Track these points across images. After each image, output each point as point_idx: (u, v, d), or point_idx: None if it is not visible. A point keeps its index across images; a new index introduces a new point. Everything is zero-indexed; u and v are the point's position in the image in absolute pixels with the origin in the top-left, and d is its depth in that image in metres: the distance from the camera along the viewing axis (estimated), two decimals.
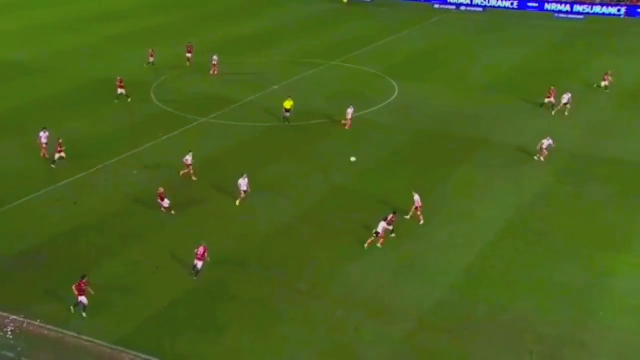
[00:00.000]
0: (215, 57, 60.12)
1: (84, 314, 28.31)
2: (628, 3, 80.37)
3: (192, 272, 30.92)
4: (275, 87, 56.86)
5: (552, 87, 50.75)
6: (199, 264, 30.83)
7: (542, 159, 42.44)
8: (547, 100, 50.28)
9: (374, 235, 33.44)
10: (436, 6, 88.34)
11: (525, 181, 40.15)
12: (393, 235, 34.19)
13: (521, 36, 72.79)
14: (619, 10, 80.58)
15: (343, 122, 47.96)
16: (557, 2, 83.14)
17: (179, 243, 33.57)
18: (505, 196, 38.09)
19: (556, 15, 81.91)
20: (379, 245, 33.57)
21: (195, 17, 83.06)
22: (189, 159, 40.07)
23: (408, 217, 35.95)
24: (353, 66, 62.93)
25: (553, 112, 49.70)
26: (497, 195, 38.33)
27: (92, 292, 28.64)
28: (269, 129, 48.23)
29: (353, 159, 41.95)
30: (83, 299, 28.35)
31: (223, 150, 44.18)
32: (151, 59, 61.43)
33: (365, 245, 33.36)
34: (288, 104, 48.68)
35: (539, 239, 34.21)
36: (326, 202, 37.94)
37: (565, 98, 49.98)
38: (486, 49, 68.03)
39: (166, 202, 36.26)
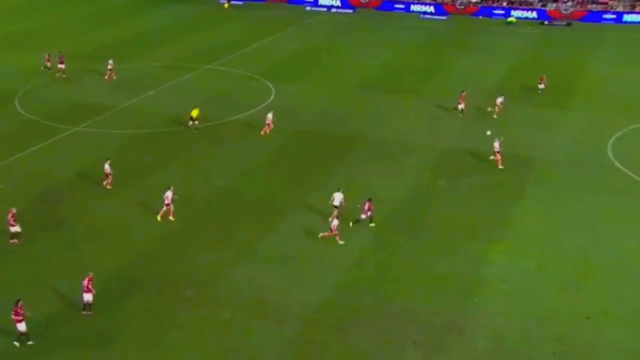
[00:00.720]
0: (110, 62, 58.37)
1: (30, 342, 26.79)
2: (484, 4, 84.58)
3: (84, 310, 28.55)
4: (151, 92, 55.70)
5: (463, 92, 51.45)
6: (88, 297, 28.47)
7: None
8: (459, 107, 50.55)
9: (330, 230, 33.75)
10: (308, 8, 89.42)
11: (402, 176, 41.45)
12: (372, 224, 35.23)
13: (390, 36, 75.00)
14: (477, 11, 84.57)
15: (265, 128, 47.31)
16: (422, 4, 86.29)
17: (53, 260, 32.22)
18: (384, 192, 39.11)
19: (421, 16, 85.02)
20: (320, 235, 33.82)
21: (63, 22, 79.81)
22: (107, 167, 38.62)
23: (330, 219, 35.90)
24: (228, 69, 62.63)
25: (461, 115, 50.25)
26: (376, 191, 39.27)
27: (30, 314, 26.83)
28: (145, 135, 47.17)
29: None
30: (22, 326, 26.51)
31: (97, 160, 42.74)
32: (47, 64, 59.41)
33: (320, 235, 33.97)
34: (194, 113, 47.59)
35: (418, 232, 35.41)
36: (208, 207, 37.59)
37: (499, 100, 50.60)
38: (358, 49, 69.58)
39: (16, 227, 33.21)
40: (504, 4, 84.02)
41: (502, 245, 34.17)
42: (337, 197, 36.02)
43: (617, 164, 42.44)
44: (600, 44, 69.81)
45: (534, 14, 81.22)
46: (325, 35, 76.37)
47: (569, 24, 78.31)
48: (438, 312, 29.27)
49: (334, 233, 33.94)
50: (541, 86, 53.81)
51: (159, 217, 35.90)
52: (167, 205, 35.67)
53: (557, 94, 54.96)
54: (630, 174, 41.20)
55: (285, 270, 32.17)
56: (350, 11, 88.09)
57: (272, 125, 47.22)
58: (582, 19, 79.41)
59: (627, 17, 77.92)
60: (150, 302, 29.61)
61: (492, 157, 42.57)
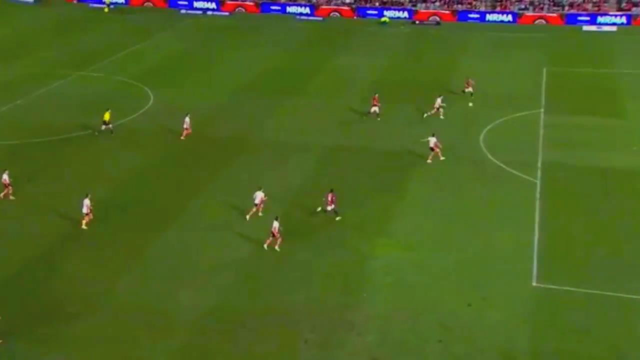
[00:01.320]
0: None
1: None
2: (360, 5, 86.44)
3: None
4: (19, 102, 53.15)
5: (376, 95, 51.08)
6: None
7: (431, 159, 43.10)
8: (372, 109, 50.33)
9: (272, 235, 33.35)
10: (183, 11, 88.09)
11: (288, 177, 41.62)
12: (338, 218, 36.04)
13: (268, 37, 75.16)
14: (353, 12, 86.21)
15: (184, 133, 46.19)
16: (297, 5, 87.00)
17: None
18: (272, 191, 39.11)
19: (298, 17, 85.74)
20: (276, 247, 33.41)
21: None
22: (5, 177, 36.84)
23: (248, 217, 36.06)
24: (102, 75, 60.76)
25: (379, 119, 50.30)
26: (265, 191, 39.34)
27: None
28: (16, 146, 45.00)
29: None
30: None
31: None
32: None
33: (265, 246, 33.47)
34: (107, 116, 46.40)
35: (305, 231, 35.58)
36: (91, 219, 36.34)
37: (438, 101, 50.76)
38: (237, 51, 69.28)
39: None
40: (377, 4, 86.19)
41: (386, 240, 35.07)
42: (258, 196, 36.34)
43: (489, 155, 44.48)
44: (468, 42, 72.93)
45: (405, 14, 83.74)
46: (203, 38, 75.55)
47: (438, 24, 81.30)
48: (328, 310, 29.65)
49: (277, 238, 33.55)
50: (469, 89, 54.63)
51: (83, 225, 34.99)
52: (87, 214, 34.99)
53: (432, 90, 56.84)
54: (501, 164, 43.33)
55: (172, 278, 31.61)
56: (227, 14, 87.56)
57: (189, 130, 46.49)
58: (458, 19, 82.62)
59: (489, 17, 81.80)
60: (31, 319, 28.28)
61: (430, 156, 43.33)
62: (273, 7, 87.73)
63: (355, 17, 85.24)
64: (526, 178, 41.50)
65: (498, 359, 27.12)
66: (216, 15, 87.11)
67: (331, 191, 36.48)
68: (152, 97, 55.08)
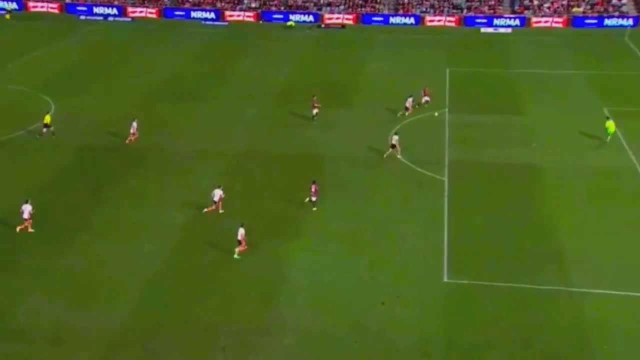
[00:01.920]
0: None
1: None
2: (265, 9, 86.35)
3: None
4: None
5: (314, 97, 51.41)
6: None
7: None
8: (315, 112, 50.76)
9: (238, 242, 33.16)
10: (82, 17, 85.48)
11: (196, 185, 41.05)
12: (315, 209, 37.48)
13: (173, 43, 73.91)
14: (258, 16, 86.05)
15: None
16: (202, 10, 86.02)
17: None
18: (179, 202, 38.50)
19: (203, 22, 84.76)
20: (236, 255, 33.14)
21: None
22: None
23: (206, 209, 36.75)
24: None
25: (314, 122, 50.69)
26: (170, 201, 38.56)
27: None
28: None
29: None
30: None
31: None
32: None
33: (236, 255, 33.18)
34: (47, 119, 45.93)
35: (216, 238, 35.29)
36: None
37: (408, 102, 51.63)
38: (141, 58, 67.78)
39: None
40: (282, 8, 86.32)
41: (301, 243, 35.08)
42: (217, 193, 37.08)
43: (399, 156, 45.26)
44: (373, 45, 74.06)
45: (311, 18, 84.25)
46: (104, 44, 73.52)
47: (343, 27, 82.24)
48: (245, 316, 29.41)
49: (244, 246, 33.28)
50: (426, 98, 54.43)
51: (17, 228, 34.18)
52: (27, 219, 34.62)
53: (342, 94, 57.33)
54: (411, 164, 44.13)
55: (82, 293, 30.56)
56: (129, 20, 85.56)
57: (137, 134, 46.07)
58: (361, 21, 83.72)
59: (393, 20, 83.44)
60: None
61: (389, 151, 44.55)
62: (177, 13, 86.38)
63: (260, 22, 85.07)
64: (434, 177, 42.47)
65: (414, 355, 27.60)
66: (118, 21, 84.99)
67: (314, 182, 37.98)
68: (53, 106, 53.10)
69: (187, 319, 29.11)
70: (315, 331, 28.72)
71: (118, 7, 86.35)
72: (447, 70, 63.84)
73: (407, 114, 51.93)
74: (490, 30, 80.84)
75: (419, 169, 43.45)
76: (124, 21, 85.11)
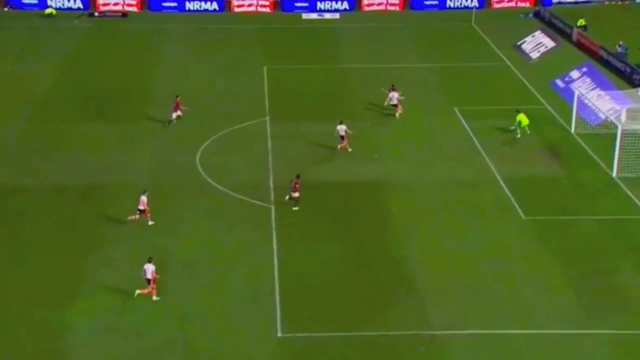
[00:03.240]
0: None
1: None
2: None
3: None
4: None
5: (178, 97, 52.26)
6: None
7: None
8: (174, 115, 51.92)
9: (147, 282, 33.73)
10: None
11: None
12: (296, 208, 41.35)
13: None
14: None
15: None
16: None
17: None
18: None
19: None
20: (142, 291, 33.77)
21: None
22: None
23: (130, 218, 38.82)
24: None
25: (169, 125, 51.98)
26: None
27: None
28: None
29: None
30: None
31: None
32: None
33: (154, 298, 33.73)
34: None
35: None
36: None
37: (394, 98, 53.55)
38: None
39: None
40: None
41: (83, 303, 34.09)
42: (143, 200, 39.56)
43: (210, 180, 45.09)
44: (166, 38, 73.35)
45: (79, 3, 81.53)
46: None
47: (124, 15, 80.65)
48: None
49: (152, 287, 33.83)
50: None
51: None
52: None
53: (131, 106, 56.15)
54: (227, 190, 44.13)
55: None
56: None
57: None
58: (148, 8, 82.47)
59: (190, 5, 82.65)
60: None
61: (340, 146, 48.50)
62: None
63: (6, 9, 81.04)
64: (258, 204, 42.72)
65: None
66: None
67: (297, 177, 41.83)
68: None
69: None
70: None
71: None
72: (265, 69, 64.75)
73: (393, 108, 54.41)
74: (314, 16, 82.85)
75: (237, 196, 43.51)
76: None
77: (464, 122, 53.80)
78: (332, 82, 62.35)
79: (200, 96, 57.35)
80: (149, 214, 39.99)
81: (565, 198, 44.27)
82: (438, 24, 78.92)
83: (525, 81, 62.24)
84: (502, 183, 45.58)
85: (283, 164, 47.34)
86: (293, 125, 53.27)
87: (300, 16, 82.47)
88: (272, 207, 42.42)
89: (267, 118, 54.50)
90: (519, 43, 71.24)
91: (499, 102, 57.08)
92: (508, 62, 66.89)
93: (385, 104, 55.09)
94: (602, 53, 66.38)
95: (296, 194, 41.91)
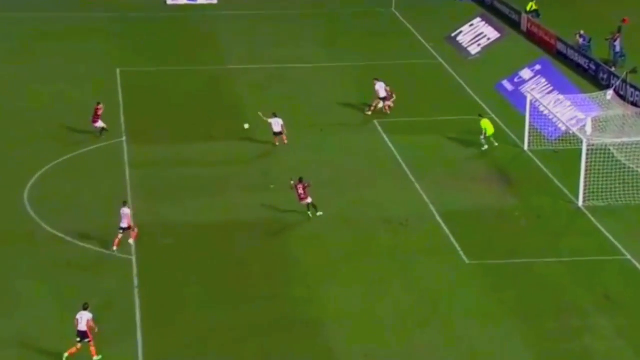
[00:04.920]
0: None
1: None
2: None
3: None
4: None
5: (100, 105, 53.47)
6: None
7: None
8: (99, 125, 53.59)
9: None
10: None
11: None
12: (320, 213, 45.17)
13: None
14: None
15: None
16: None
17: None
18: None
19: None
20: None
21: None
22: None
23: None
24: None
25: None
26: None
27: None
28: None
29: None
30: None
31: None
32: None
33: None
34: None
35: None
36: None
37: (382, 91, 55.90)
38: None
39: None
40: None
41: None
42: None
43: (43, 224, 44.72)
44: None
45: None
46: None
47: None
48: None
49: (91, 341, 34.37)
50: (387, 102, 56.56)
51: None
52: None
53: None
54: (65, 237, 43.67)
55: None
56: None
57: None
58: None
59: None
60: None
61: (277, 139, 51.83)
62: None
63: None
64: (114, 254, 42.26)
65: None
66: None
67: (300, 181, 44.62)
68: None
69: None
70: None
71: None
72: (118, 72, 64.38)
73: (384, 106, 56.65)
74: (182, 1, 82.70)
75: (84, 245, 43.12)
76: None
77: (386, 138, 54.43)
78: (211, 89, 62.48)
79: (27, 111, 56.55)
80: None
81: (520, 235, 44.98)
82: (349, 10, 79.84)
83: (463, 83, 63.47)
84: (438, 218, 46.22)
85: (146, 200, 47.13)
86: (159, 148, 53.07)
87: (165, 1, 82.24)
88: (133, 258, 42.08)
89: (124, 139, 54.19)
90: (453, 34, 72.55)
91: (430, 113, 58.17)
92: (440, 59, 68.15)
93: (372, 104, 56.97)
94: (560, 46, 68.06)
95: (308, 200, 45.16)
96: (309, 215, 45.34)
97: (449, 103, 59.49)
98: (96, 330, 34.71)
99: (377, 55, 68.72)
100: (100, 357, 34.79)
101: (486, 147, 52.12)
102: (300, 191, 44.92)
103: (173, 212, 46.04)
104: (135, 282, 40.43)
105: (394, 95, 57.61)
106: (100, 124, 53.89)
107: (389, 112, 57.46)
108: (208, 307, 38.61)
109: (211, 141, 53.26)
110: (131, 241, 41.18)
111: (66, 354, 34.48)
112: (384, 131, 55.22)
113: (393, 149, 53.22)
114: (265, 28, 75.32)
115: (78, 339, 34.54)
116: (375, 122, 56.51)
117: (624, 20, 69.10)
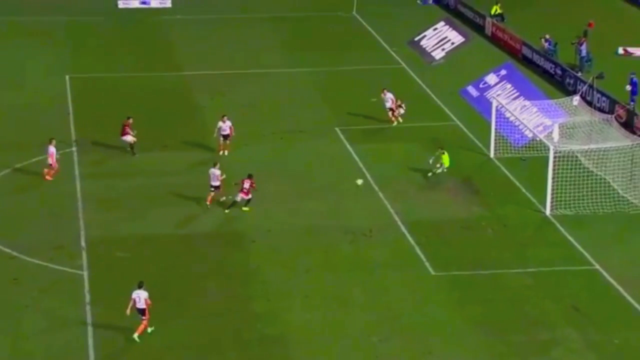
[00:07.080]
0: None
1: None
2: None
3: None
4: None
5: (130, 119, 53.15)
6: None
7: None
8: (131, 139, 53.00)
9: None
10: None
11: None
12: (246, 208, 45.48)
13: None
14: None
15: None
16: None
17: None
18: None
19: None
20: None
21: None
22: None
23: None
24: None
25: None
26: None
27: None
28: None
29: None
30: None
31: None
32: None
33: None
34: None
35: None
36: None
37: (388, 102, 55.76)
38: None
39: None
40: None
41: None
42: None
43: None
44: None
45: None
46: None
47: None
48: None
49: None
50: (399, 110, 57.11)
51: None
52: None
53: None
54: (15, 253, 43.25)
55: None
56: None
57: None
58: None
59: None
60: None
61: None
62: None
63: None
64: (65, 270, 42.09)
65: None
66: None
67: (249, 177, 46.42)
68: None
69: None
70: None
71: None
72: (67, 78, 64.06)
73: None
74: (134, 4, 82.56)
75: (32, 260, 42.87)
76: None
77: (348, 146, 54.59)
78: (166, 96, 62.32)
79: None
80: None
81: (486, 246, 45.21)
82: (308, 14, 80.00)
83: (427, 89, 63.70)
84: (402, 228, 46.37)
85: (99, 212, 47.04)
86: (111, 158, 53.00)
87: (116, 4, 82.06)
88: (85, 274, 41.89)
89: (74, 149, 54.01)
90: (417, 38, 72.67)
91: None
92: (403, 64, 68.48)
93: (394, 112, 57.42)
94: (525, 50, 68.75)
95: (249, 196, 46.94)
96: (243, 209, 47.21)
97: (413, 109, 59.43)
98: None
99: (339, 60, 69.10)
100: (152, 328, 37.02)
101: (430, 174, 51.56)
102: (246, 186, 46.54)
103: (127, 225, 45.93)
104: (87, 298, 40.25)
105: (403, 106, 57.64)
106: (129, 138, 53.37)
107: (395, 122, 57.54)
108: (164, 324, 38.33)
109: (165, 150, 52.99)
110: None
111: (136, 334, 36.46)
112: (346, 139, 55.29)
113: (355, 157, 53.42)
114: (222, 32, 75.44)
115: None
116: (337, 129, 56.58)
117: (589, 24, 69.90)
